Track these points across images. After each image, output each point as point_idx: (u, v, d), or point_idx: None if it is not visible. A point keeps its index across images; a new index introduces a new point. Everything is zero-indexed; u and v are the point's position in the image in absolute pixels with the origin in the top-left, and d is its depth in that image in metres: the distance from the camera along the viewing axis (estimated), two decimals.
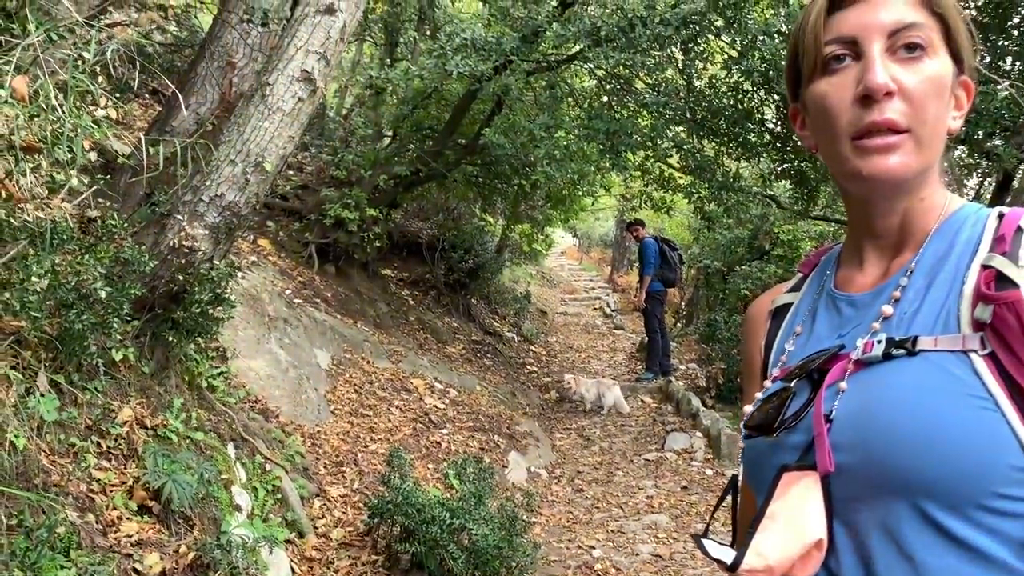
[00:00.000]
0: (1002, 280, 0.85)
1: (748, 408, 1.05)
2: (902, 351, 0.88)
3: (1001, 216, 0.92)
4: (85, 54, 1.89)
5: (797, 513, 0.88)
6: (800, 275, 1.15)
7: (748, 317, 1.21)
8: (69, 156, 1.77)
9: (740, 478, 1.07)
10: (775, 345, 1.11)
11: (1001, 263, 0.86)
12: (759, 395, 1.04)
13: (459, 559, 3.78)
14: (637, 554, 5.13)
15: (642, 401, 8.96)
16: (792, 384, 0.98)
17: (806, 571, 0.88)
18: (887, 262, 0.99)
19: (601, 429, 8.00)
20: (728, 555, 0.89)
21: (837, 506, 0.88)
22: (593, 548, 5.21)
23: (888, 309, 0.93)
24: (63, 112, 1.67)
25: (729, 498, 1.11)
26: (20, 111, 1.61)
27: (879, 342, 0.90)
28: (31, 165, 1.73)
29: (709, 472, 6.63)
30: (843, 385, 0.91)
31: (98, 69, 1.93)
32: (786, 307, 1.13)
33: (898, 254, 0.98)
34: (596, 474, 6.75)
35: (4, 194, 1.71)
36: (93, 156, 2.05)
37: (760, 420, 1.00)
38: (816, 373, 0.96)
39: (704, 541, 0.94)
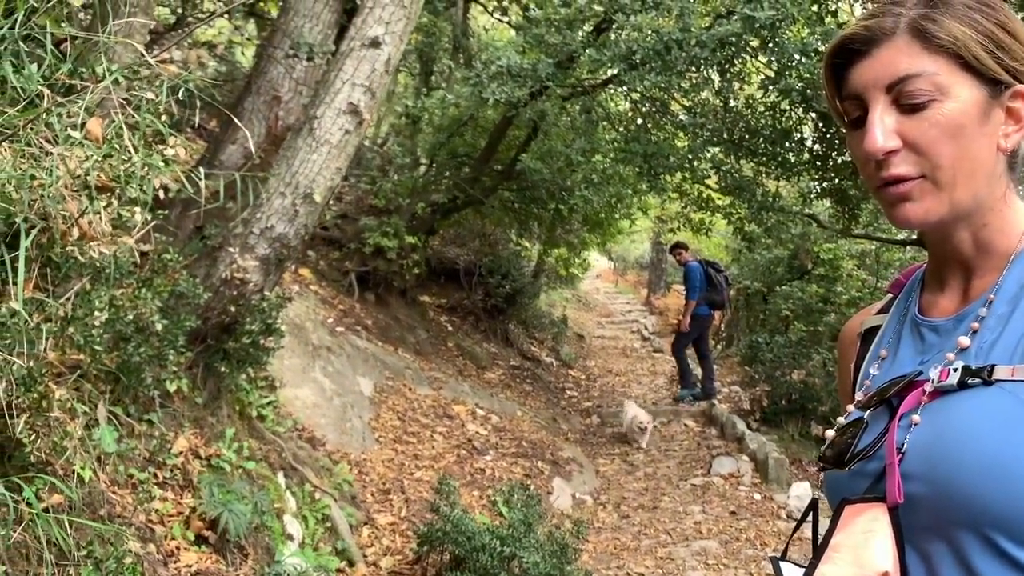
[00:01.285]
0: None
1: (830, 433, 1.04)
2: (978, 380, 0.86)
3: None
4: (150, 95, 1.94)
5: (862, 544, 0.87)
6: (889, 296, 1.13)
7: (840, 339, 1.20)
8: (143, 195, 1.82)
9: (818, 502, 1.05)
10: (862, 369, 1.09)
11: None
12: (841, 420, 1.02)
13: None
14: None
15: (685, 425, 8.86)
16: (866, 415, 0.96)
17: None
18: (967, 284, 0.97)
19: (645, 454, 7.92)
20: None
21: (909, 535, 0.87)
22: (642, 575, 5.14)
23: (965, 341, 0.91)
24: (135, 152, 1.72)
25: (810, 521, 1.08)
26: (95, 151, 1.67)
27: (955, 370, 0.88)
28: (103, 204, 1.78)
29: (757, 497, 6.52)
30: (915, 418, 0.89)
31: (161, 109, 1.98)
32: (875, 330, 1.11)
33: (978, 277, 0.95)
34: (642, 500, 6.67)
35: (77, 232, 1.76)
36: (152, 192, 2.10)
37: (834, 452, 0.98)
38: (895, 399, 0.95)
39: (781, 564, 0.94)
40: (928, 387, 0.90)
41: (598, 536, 5.83)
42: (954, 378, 0.87)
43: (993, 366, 0.85)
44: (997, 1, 0.90)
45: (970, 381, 0.86)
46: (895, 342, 1.05)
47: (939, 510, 0.84)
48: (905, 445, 0.88)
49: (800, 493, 6.18)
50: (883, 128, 0.88)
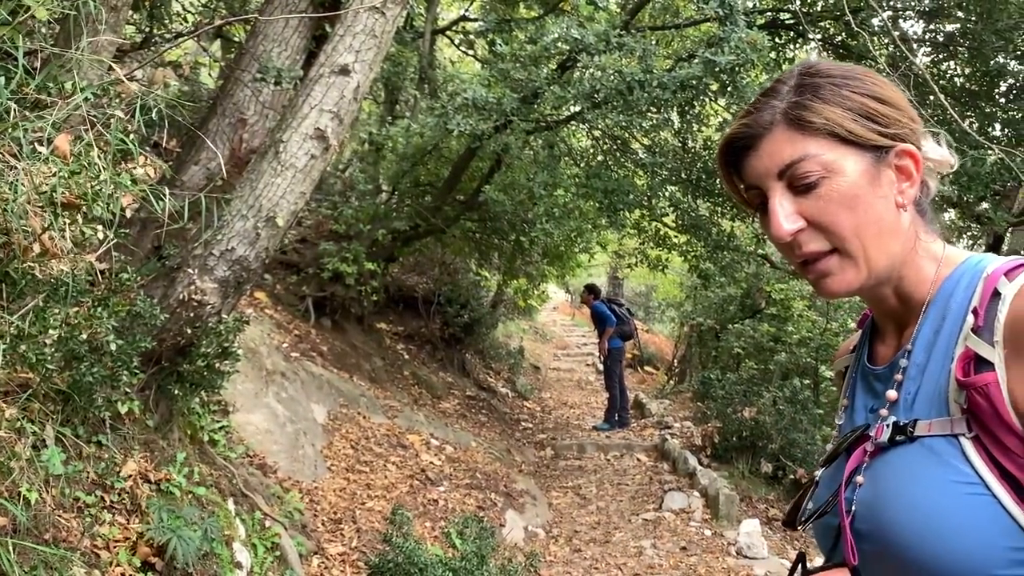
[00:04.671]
0: (980, 360, 0.85)
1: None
2: (904, 437, 0.90)
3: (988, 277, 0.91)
4: (119, 113, 1.94)
5: None
6: (860, 332, 1.14)
7: (835, 377, 1.22)
8: (109, 214, 1.80)
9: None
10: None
11: (975, 342, 0.86)
12: (817, 474, 1.06)
13: None
14: None
15: (638, 459, 8.90)
16: (819, 473, 1.03)
17: None
18: (900, 333, 1.01)
19: (598, 487, 7.93)
20: None
21: None
22: None
23: (892, 394, 0.95)
24: (103, 170, 1.71)
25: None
26: (62, 168, 1.65)
27: (887, 426, 0.92)
28: (68, 221, 1.76)
29: (708, 533, 6.57)
30: (859, 478, 0.94)
31: (131, 127, 1.97)
32: (846, 371, 1.15)
33: (906, 325, 0.99)
34: (594, 534, 6.67)
35: (39, 248, 1.73)
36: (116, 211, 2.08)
37: (788, 512, 1.06)
38: (847, 455, 0.99)
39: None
40: (869, 445, 0.95)
41: (550, 570, 5.80)
42: (886, 435, 0.92)
43: (915, 421, 0.89)
44: (865, 72, 0.96)
45: (898, 438, 0.90)
46: (852, 390, 1.08)
47: (891, 568, 0.88)
48: (854, 505, 0.92)
49: (750, 530, 6.24)
50: (784, 213, 0.93)
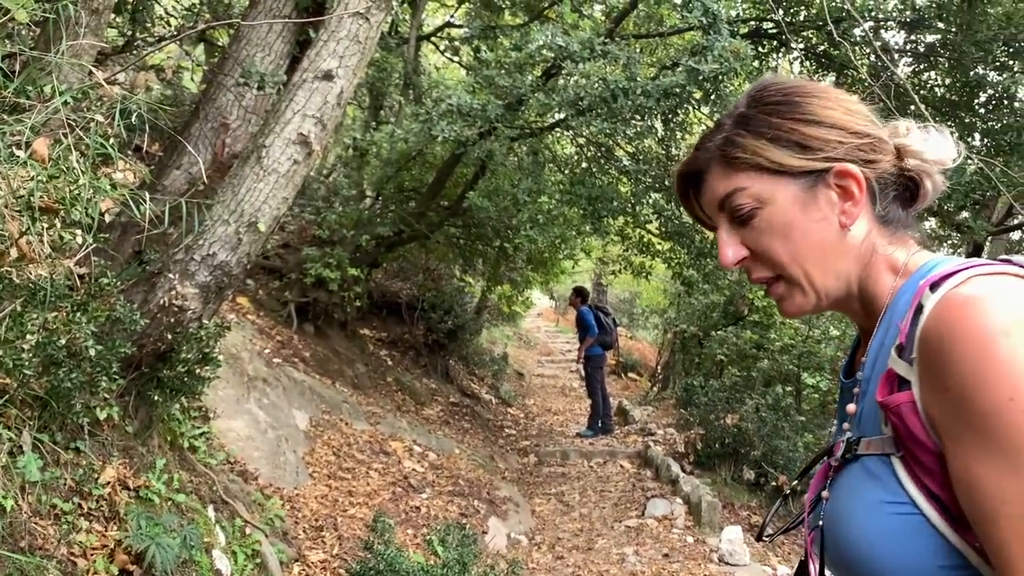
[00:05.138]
0: (901, 379, 0.84)
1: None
2: (851, 454, 0.91)
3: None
4: (99, 117, 1.92)
5: None
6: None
7: None
8: (88, 218, 1.78)
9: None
10: None
11: (893, 360, 0.85)
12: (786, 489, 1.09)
13: None
14: None
15: (621, 466, 8.91)
16: (787, 488, 1.06)
17: None
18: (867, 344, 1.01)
19: (581, 494, 7.93)
20: None
21: None
22: None
23: (852, 408, 0.96)
24: (82, 174, 1.69)
25: None
26: (40, 172, 1.63)
27: (843, 443, 0.94)
28: (46, 226, 1.74)
29: (690, 539, 6.58)
30: (825, 493, 0.95)
31: (110, 131, 1.96)
32: None
33: (871, 336, 0.98)
34: (577, 541, 6.66)
35: (16, 253, 1.72)
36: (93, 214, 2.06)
37: (762, 526, 1.09)
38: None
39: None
40: (833, 461, 0.96)
41: None
42: (842, 451, 0.93)
43: (859, 439, 0.90)
44: (807, 92, 0.97)
45: (848, 456, 0.92)
46: (839, 402, 1.08)
47: None
48: (821, 520, 0.93)
49: (732, 537, 6.26)
50: (728, 244, 0.98)
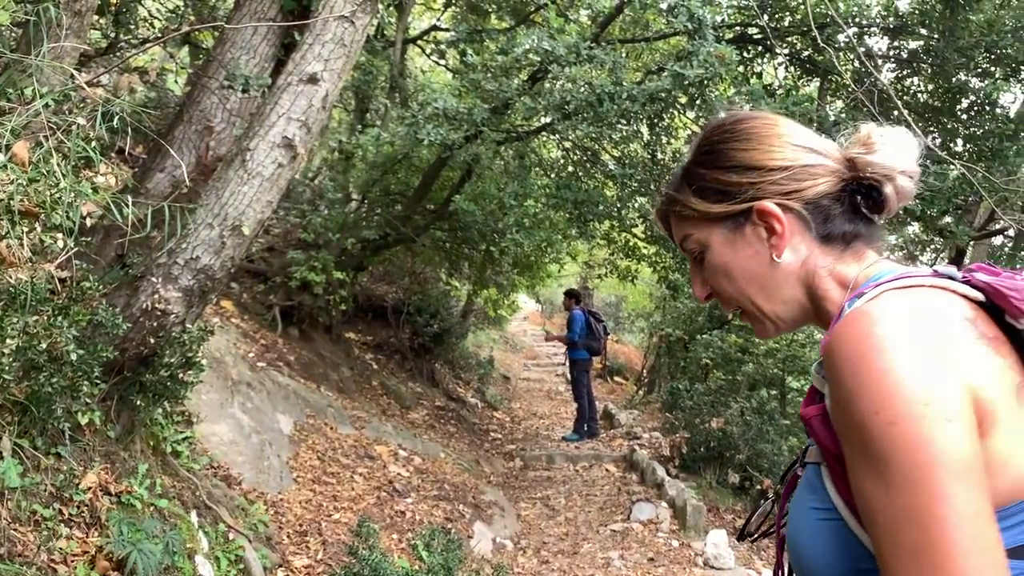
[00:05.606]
0: (820, 392, 0.90)
1: None
2: (802, 463, 0.98)
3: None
4: (81, 120, 1.90)
5: None
6: None
7: None
8: (69, 222, 1.77)
9: None
10: None
11: (812, 374, 0.92)
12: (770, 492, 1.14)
13: None
14: None
15: (607, 470, 8.92)
16: (772, 492, 1.08)
17: None
18: None
19: (566, 498, 7.93)
20: None
21: None
22: None
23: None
24: (63, 178, 1.67)
25: None
26: (20, 175, 1.62)
27: (805, 450, 0.98)
28: (27, 229, 1.72)
29: (675, 544, 6.59)
30: (789, 506, 1.00)
31: (92, 134, 1.94)
32: None
33: None
34: (562, 545, 6.66)
35: None
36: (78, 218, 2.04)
37: (743, 527, 1.17)
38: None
39: None
40: (800, 470, 1.01)
41: None
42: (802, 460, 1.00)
43: (807, 448, 0.96)
44: (731, 135, 1.04)
45: (803, 463, 0.98)
46: None
47: None
48: (784, 525, 0.99)
49: (717, 541, 6.27)
50: (696, 283, 1.10)
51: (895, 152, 0.99)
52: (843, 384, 0.81)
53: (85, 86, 1.80)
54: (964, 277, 0.89)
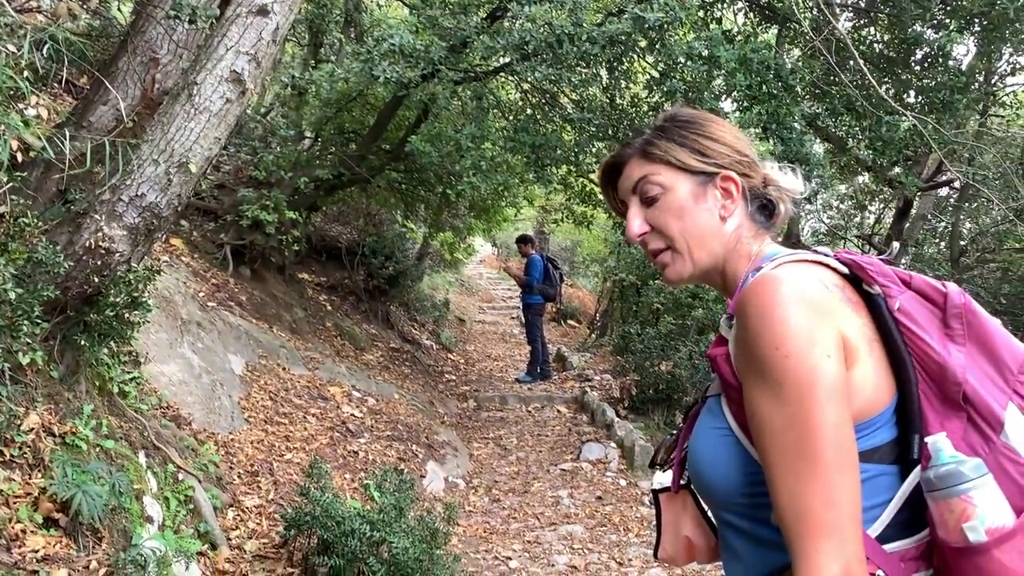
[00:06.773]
0: (723, 338, 1.16)
1: None
2: (703, 397, 1.26)
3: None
4: (11, 47, 1.81)
5: (676, 520, 1.39)
6: None
7: None
8: None
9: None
10: None
11: (722, 324, 1.17)
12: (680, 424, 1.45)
13: (378, 572, 3.75)
14: (553, 565, 5.19)
15: (558, 411, 9.06)
16: (681, 423, 1.38)
17: (692, 557, 1.37)
18: None
19: (518, 439, 8.05)
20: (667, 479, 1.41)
21: (711, 510, 1.28)
22: (510, 559, 5.24)
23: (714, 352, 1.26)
24: None
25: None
26: None
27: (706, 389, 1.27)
28: None
29: (623, 483, 6.76)
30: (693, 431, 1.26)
31: (23, 63, 1.85)
32: None
33: None
34: (513, 484, 6.79)
35: None
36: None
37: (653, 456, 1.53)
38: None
39: (657, 473, 1.46)
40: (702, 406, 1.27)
41: (468, 520, 5.90)
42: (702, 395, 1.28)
43: (708, 386, 1.26)
44: (708, 120, 1.29)
45: (705, 397, 1.25)
46: None
47: (700, 494, 1.28)
48: (687, 446, 1.27)
49: (663, 480, 6.44)
50: (635, 220, 1.28)
51: (792, 183, 1.31)
52: (751, 327, 1.06)
53: (12, 12, 1.71)
54: (836, 255, 1.17)
